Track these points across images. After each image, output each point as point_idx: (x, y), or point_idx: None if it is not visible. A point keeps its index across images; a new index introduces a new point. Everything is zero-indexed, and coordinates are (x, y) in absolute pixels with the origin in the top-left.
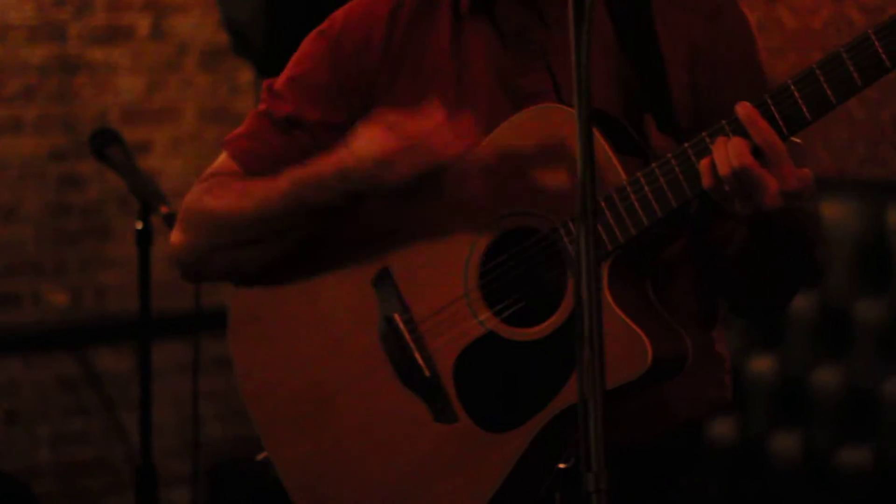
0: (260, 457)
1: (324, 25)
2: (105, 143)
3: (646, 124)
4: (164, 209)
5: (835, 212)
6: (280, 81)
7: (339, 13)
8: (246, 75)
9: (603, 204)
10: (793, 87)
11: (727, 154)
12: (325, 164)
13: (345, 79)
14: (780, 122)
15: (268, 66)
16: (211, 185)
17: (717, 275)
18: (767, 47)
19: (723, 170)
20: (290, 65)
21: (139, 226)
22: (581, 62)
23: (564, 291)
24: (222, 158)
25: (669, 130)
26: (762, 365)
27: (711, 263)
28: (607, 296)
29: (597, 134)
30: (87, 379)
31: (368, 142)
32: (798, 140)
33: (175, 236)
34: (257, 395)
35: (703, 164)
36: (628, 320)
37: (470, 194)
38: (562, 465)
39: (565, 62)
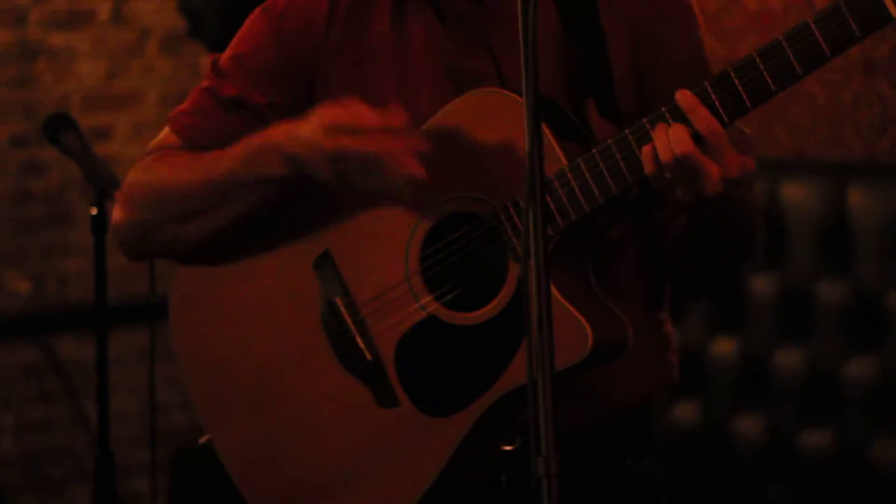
0: (202, 440)
1: (267, 3)
2: (59, 128)
3: (587, 108)
4: (117, 195)
5: (796, 193)
6: (224, 59)
7: None
8: (208, 60)
9: (555, 183)
10: (733, 75)
11: (668, 141)
12: (277, 130)
13: (287, 59)
14: (720, 110)
15: (222, 48)
16: (153, 160)
17: (658, 258)
18: (729, 28)
19: (664, 157)
20: (233, 42)
21: (94, 212)
22: (528, 46)
23: (505, 275)
24: (165, 134)
25: (610, 115)
26: (724, 347)
27: (653, 247)
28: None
29: None
30: (50, 367)
31: (320, 112)
32: (745, 129)
33: (117, 214)
34: (199, 379)
35: (645, 150)
36: (569, 305)
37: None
38: (507, 448)
39: (507, 46)
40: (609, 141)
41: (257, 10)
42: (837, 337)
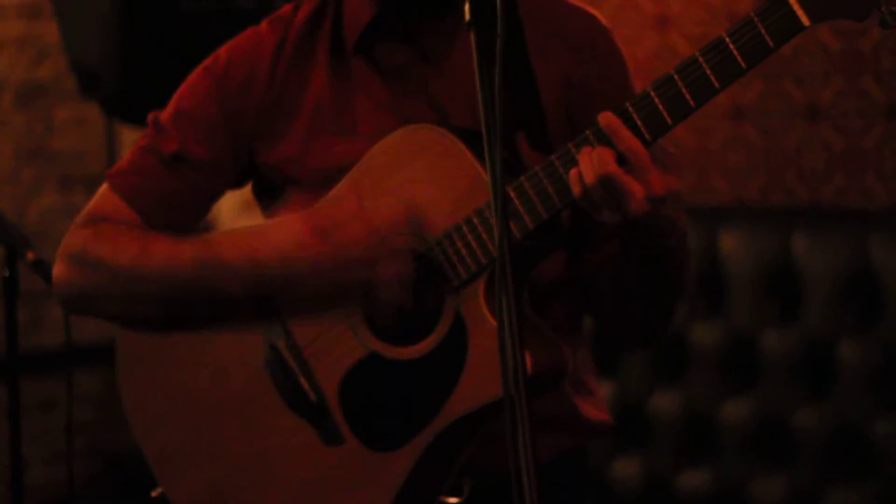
0: (155, 493)
1: (209, 61)
2: None
3: (518, 142)
4: (30, 255)
5: (736, 241)
6: (165, 116)
7: (223, 49)
8: (63, 113)
9: (475, 219)
10: (653, 94)
11: (592, 163)
12: (236, 250)
13: (230, 116)
14: (643, 129)
15: (120, 105)
16: (105, 231)
17: (591, 302)
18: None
19: (589, 179)
20: (174, 100)
21: (6, 273)
22: (487, 92)
23: (442, 309)
24: (105, 193)
25: (542, 148)
26: (666, 400)
27: (585, 291)
28: (484, 309)
29: (466, 150)
30: None
31: (283, 227)
32: (672, 150)
33: (61, 272)
34: (147, 430)
35: (572, 174)
36: None
37: (344, 216)
38: (453, 500)
39: (449, 96)
40: (536, 168)
41: (199, 69)
42: (784, 385)
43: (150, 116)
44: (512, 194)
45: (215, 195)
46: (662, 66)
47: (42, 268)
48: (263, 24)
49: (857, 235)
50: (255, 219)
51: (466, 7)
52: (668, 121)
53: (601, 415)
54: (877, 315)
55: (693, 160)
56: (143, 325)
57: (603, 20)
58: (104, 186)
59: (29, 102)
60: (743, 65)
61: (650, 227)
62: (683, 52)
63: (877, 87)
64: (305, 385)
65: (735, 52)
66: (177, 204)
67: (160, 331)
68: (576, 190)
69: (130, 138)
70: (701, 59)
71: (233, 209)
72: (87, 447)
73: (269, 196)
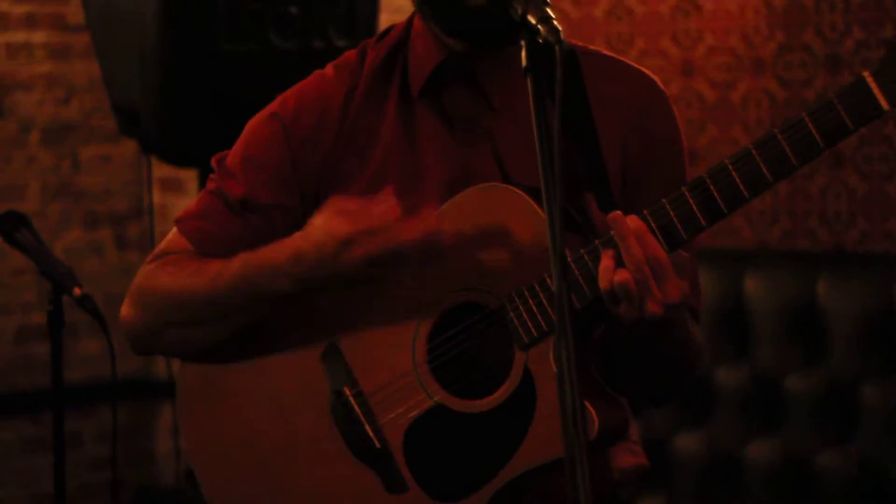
0: None
1: (275, 107)
2: (14, 226)
3: (587, 203)
4: (77, 291)
5: (760, 285)
6: (232, 160)
7: (291, 95)
8: (89, 151)
9: (548, 279)
10: (668, 206)
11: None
12: (279, 250)
13: (298, 162)
14: (661, 237)
15: (160, 144)
16: (164, 263)
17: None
18: (686, 119)
19: (615, 277)
20: (241, 143)
21: (50, 307)
22: (544, 139)
23: (510, 363)
24: (174, 236)
25: (609, 208)
26: (691, 441)
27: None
28: (553, 367)
29: (539, 211)
30: None
31: (325, 225)
32: (685, 254)
33: (126, 311)
34: (208, 468)
35: (601, 266)
36: None
37: (416, 271)
38: None
39: (511, 146)
40: (569, 256)
41: (266, 114)
42: (808, 427)
43: (215, 159)
44: (585, 257)
45: (279, 239)
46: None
47: (88, 303)
48: (329, 70)
49: (879, 279)
50: None
51: (523, 53)
52: (683, 236)
53: (637, 459)
54: None
55: None
56: (204, 351)
57: (661, 84)
58: (173, 231)
59: (56, 140)
60: (771, 178)
61: (659, 327)
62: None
63: None
64: (370, 432)
65: (738, 182)
66: (242, 249)
67: (222, 358)
68: (603, 284)
69: (160, 174)
70: (709, 182)
71: None
72: (109, 482)
73: None
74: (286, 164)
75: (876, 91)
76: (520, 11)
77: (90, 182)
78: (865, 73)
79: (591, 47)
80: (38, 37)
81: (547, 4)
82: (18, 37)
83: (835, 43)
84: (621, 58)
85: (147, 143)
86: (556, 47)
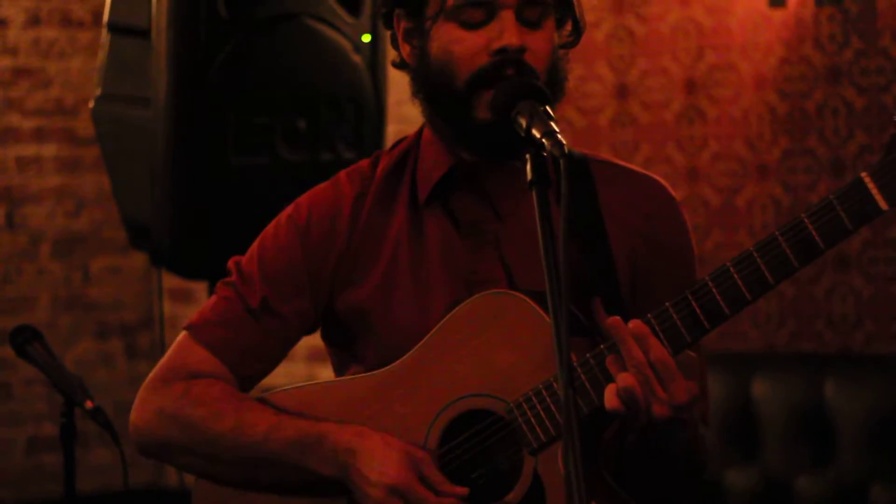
0: None
1: (291, 210)
2: (26, 340)
3: (594, 307)
4: (88, 404)
5: (768, 387)
6: (249, 265)
7: (304, 200)
8: (99, 263)
9: (554, 384)
10: (671, 310)
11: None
12: (338, 436)
13: (312, 264)
14: (665, 340)
15: (171, 258)
16: (198, 392)
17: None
18: (691, 224)
19: (619, 383)
20: (257, 247)
21: (63, 420)
22: (549, 250)
23: (520, 469)
24: (188, 345)
25: (618, 313)
26: None
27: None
28: (562, 472)
29: (544, 316)
30: None
31: (387, 475)
32: (693, 354)
33: (147, 423)
34: None
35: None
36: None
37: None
38: None
39: (517, 252)
40: (574, 361)
41: (282, 219)
42: None
43: (231, 263)
44: (591, 362)
45: (294, 343)
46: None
47: (100, 416)
48: (342, 176)
49: (887, 381)
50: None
51: (528, 166)
52: (688, 339)
53: None
54: None
55: None
56: (221, 482)
57: (670, 190)
58: (184, 338)
59: (66, 252)
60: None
61: (667, 428)
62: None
63: None
64: None
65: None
66: (261, 354)
67: (237, 488)
68: (608, 403)
69: (170, 284)
70: (712, 285)
71: None
72: None
73: (340, 345)
74: (301, 267)
75: (874, 191)
76: (524, 125)
77: (100, 293)
78: (864, 174)
79: (601, 155)
80: (48, 150)
81: (551, 118)
82: (29, 150)
83: (838, 147)
84: (630, 165)
85: (158, 256)
86: (561, 161)
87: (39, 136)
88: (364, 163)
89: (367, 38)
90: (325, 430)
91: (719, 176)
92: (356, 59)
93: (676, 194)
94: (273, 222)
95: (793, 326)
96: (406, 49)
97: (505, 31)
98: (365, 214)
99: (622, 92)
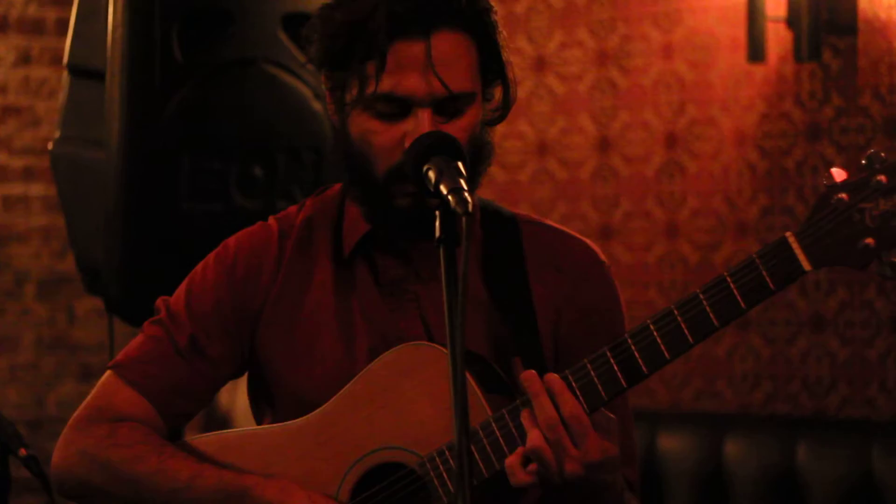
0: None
1: (220, 250)
2: None
3: (514, 365)
4: (22, 451)
5: (741, 449)
6: (177, 304)
7: (232, 240)
8: (84, 305)
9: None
10: (589, 366)
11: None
12: (260, 485)
13: (238, 303)
14: (581, 398)
15: (121, 304)
16: (122, 436)
17: None
18: (669, 280)
19: (528, 444)
20: (184, 287)
21: None
22: (454, 308)
23: None
24: (113, 385)
25: (537, 370)
26: None
27: None
28: None
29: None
30: None
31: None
32: (611, 415)
33: (69, 463)
34: None
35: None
36: None
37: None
38: None
39: (437, 312)
40: (489, 416)
41: (210, 259)
42: None
43: (160, 302)
44: (507, 417)
45: (220, 385)
46: (672, 272)
47: (33, 464)
48: (271, 219)
49: (859, 445)
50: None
51: (437, 224)
52: (604, 396)
53: None
54: None
55: (699, 367)
56: None
57: (600, 255)
58: (109, 377)
59: (51, 293)
60: (667, 356)
61: (582, 489)
62: (691, 259)
63: (881, 298)
64: None
65: (662, 346)
66: (188, 394)
67: None
68: (512, 479)
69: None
70: (631, 342)
71: (245, 407)
72: None
73: (259, 391)
74: (228, 306)
75: (798, 252)
76: (433, 180)
77: (84, 335)
78: (788, 234)
79: (535, 217)
80: (35, 189)
81: (461, 175)
82: (16, 189)
83: None
84: (563, 227)
85: (110, 302)
86: (463, 218)
87: (27, 175)
88: (293, 208)
89: None
90: (250, 483)
91: (698, 232)
92: (316, 106)
93: (650, 251)
94: (201, 263)
95: (768, 388)
96: (331, 108)
97: (420, 127)
98: (287, 256)
99: (604, 144)
